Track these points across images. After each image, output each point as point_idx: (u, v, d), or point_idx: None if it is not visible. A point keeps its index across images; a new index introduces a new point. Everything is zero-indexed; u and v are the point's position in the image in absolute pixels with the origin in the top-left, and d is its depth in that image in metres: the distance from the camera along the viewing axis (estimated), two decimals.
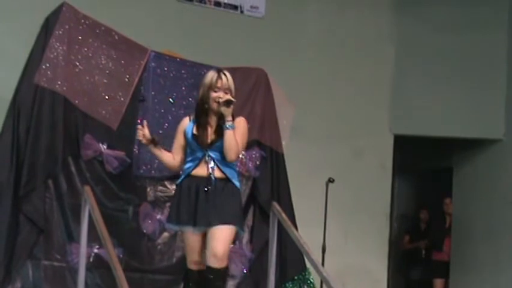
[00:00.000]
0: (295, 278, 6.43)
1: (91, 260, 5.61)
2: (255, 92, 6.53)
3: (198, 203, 4.64)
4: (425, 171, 9.83)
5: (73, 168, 5.79)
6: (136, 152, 5.91)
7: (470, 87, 8.21)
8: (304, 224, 6.19)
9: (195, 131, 4.73)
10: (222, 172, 4.69)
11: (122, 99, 5.98)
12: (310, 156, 7.56)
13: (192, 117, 4.81)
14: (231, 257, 6.22)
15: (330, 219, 6.97)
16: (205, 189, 4.61)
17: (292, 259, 6.32)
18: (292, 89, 7.16)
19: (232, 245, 6.27)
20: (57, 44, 5.76)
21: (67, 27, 5.81)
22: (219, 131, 4.70)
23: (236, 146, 4.66)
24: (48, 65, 5.71)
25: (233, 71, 6.53)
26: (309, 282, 6.47)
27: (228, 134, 4.63)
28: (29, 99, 5.69)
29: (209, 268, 4.62)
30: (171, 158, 4.84)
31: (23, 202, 5.59)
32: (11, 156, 5.63)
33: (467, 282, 8.42)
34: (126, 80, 6.04)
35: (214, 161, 4.68)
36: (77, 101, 5.84)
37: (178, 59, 6.29)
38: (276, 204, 5.37)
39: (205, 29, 7.39)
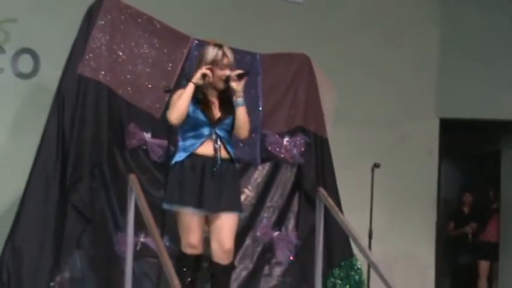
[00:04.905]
0: (342, 264, 6.38)
1: (138, 248, 5.64)
2: (298, 78, 6.47)
3: (204, 185, 4.41)
4: (472, 154, 9.66)
5: (118, 158, 5.81)
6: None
7: None
8: (350, 210, 6.12)
9: (200, 106, 4.48)
10: (228, 152, 4.49)
11: None
12: (354, 142, 7.49)
13: None
14: (277, 243, 6.20)
15: (376, 205, 6.89)
16: (214, 169, 4.38)
17: (339, 245, 6.26)
18: (335, 73, 7.08)
19: (278, 232, 6.26)
20: (100, 34, 5.76)
21: (109, 17, 5.81)
22: (225, 108, 4.48)
23: (249, 123, 4.50)
24: (91, 55, 5.73)
25: (276, 57, 6.55)
26: (356, 268, 6.41)
27: (241, 111, 4.46)
28: (73, 90, 5.72)
29: (217, 265, 4.41)
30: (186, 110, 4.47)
31: (69, 192, 5.62)
32: (57, 147, 5.66)
33: None
34: (169, 68, 6.02)
35: (221, 139, 4.47)
36: (120, 91, 5.84)
37: None
38: (322, 190, 5.30)
39: (246, 16, 7.35)
